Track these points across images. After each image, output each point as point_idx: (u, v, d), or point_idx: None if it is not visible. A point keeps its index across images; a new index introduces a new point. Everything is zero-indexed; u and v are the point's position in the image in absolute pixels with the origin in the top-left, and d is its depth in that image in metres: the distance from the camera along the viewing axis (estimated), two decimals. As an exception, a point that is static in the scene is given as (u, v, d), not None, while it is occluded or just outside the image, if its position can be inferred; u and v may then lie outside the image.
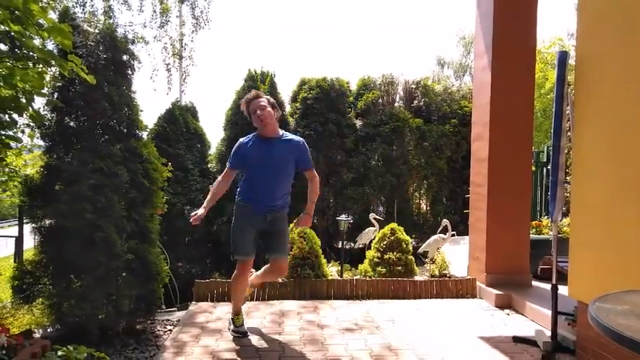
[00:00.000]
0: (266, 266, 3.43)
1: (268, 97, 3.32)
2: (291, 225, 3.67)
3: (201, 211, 3.19)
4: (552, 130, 3.03)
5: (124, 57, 3.46)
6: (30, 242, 3.88)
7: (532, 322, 3.73)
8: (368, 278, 4.59)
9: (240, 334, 3.28)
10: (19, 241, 4.82)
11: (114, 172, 3.16)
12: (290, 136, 3.31)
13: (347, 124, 7.62)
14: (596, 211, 2.75)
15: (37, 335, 3.21)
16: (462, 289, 4.50)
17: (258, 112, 3.13)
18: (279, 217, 3.27)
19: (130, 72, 3.51)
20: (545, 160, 7.27)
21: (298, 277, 4.43)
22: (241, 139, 3.30)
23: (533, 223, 5.49)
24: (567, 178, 3.94)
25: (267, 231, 3.25)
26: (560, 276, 3.16)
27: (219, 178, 3.36)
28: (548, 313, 3.22)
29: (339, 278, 4.61)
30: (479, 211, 4.63)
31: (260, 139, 3.22)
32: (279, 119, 3.38)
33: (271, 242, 3.29)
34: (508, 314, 3.96)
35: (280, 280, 4.41)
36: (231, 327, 3.35)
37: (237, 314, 3.36)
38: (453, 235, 5.11)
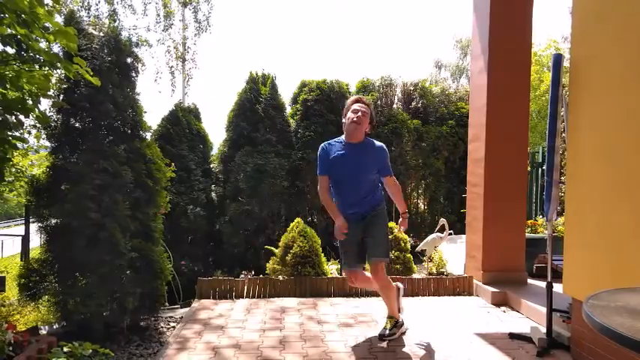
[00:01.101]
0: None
1: (372, 109, 3.21)
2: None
3: (341, 221, 3.05)
4: (547, 131, 3.03)
5: (128, 60, 3.47)
6: (36, 241, 3.88)
7: (528, 319, 3.73)
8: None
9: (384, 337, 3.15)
10: (25, 239, 4.82)
11: (118, 172, 3.16)
12: (375, 142, 3.19)
13: (346, 126, 7.61)
14: (590, 211, 2.75)
15: (43, 332, 3.21)
16: (459, 287, 4.50)
17: (359, 114, 3.04)
18: (377, 216, 3.15)
19: (134, 74, 3.51)
20: (540, 160, 7.27)
21: (299, 274, 4.43)
22: (326, 143, 3.19)
23: (529, 222, 5.49)
24: (562, 178, 3.94)
25: (366, 230, 3.15)
26: (555, 274, 3.16)
27: (322, 190, 3.14)
28: (544, 310, 3.22)
29: (339, 276, 4.61)
30: (475, 211, 4.63)
31: (346, 143, 3.12)
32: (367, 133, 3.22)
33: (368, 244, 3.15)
34: (504, 311, 3.95)
35: (281, 278, 4.41)
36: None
37: (389, 317, 3.25)
38: (450, 234, 5.11)
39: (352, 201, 3.12)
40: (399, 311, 3.33)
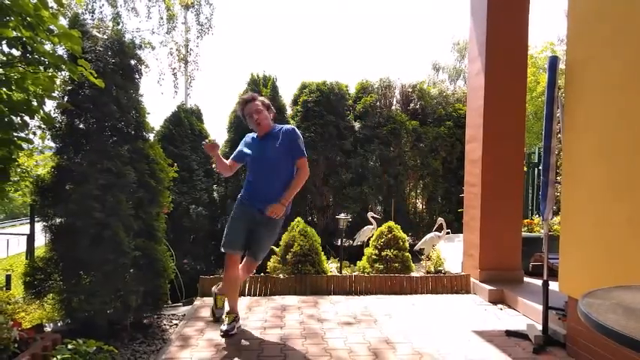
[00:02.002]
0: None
1: (262, 98, 3.30)
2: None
3: (218, 151, 3.21)
4: (543, 132, 3.04)
5: (132, 62, 3.46)
6: (41, 240, 3.88)
7: (524, 316, 3.73)
8: (366, 274, 4.59)
9: (221, 331, 3.17)
10: (30, 238, 4.82)
11: (122, 172, 3.16)
12: (283, 127, 3.22)
13: (346, 126, 7.62)
14: (585, 210, 2.75)
15: (47, 329, 3.21)
16: (457, 285, 4.50)
17: (255, 116, 3.16)
18: (266, 219, 3.12)
19: (137, 76, 3.51)
20: (536, 160, 7.28)
21: (299, 273, 4.43)
22: (248, 134, 3.36)
23: (525, 221, 5.49)
24: (558, 178, 3.94)
25: (254, 230, 3.18)
26: (551, 272, 3.16)
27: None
28: (540, 307, 3.22)
29: (339, 274, 4.61)
30: (473, 210, 4.63)
31: (257, 138, 3.26)
32: (274, 119, 3.36)
33: (252, 242, 3.21)
34: (501, 309, 3.96)
35: (282, 276, 4.41)
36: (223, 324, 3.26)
37: (228, 313, 3.32)
38: (448, 233, 5.11)
39: (262, 194, 3.11)
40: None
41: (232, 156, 3.35)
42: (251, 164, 3.23)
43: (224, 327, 3.20)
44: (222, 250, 3.18)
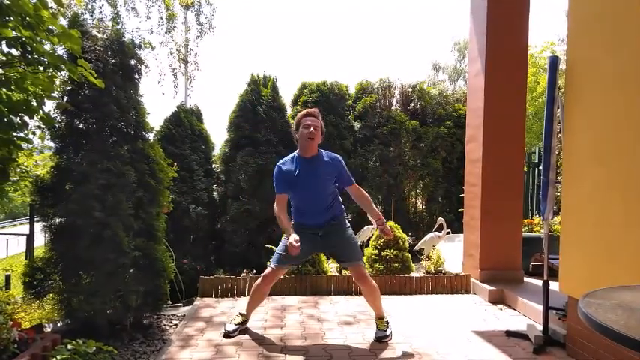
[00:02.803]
0: None
1: (320, 119, 3.16)
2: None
3: (294, 236, 2.87)
4: (543, 132, 3.04)
5: (132, 62, 3.46)
6: (41, 240, 3.88)
7: (524, 316, 3.73)
8: (366, 274, 4.58)
9: (225, 330, 3.19)
10: (30, 238, 4.82)
11: (122, 172, 3.16)
12: (330, 154, 3.19)
13: (346, 127, 7.61)
14: (585, 210, 2.75)
15: (47, 329, 3.21)
16: (457, 285, 4.50)
17: (312, 129, 3.01)
18: (335, 228, 3.15)
19: (137, 76, 3.51)
20: (536, 160, 7.28)
21: (299, 273, 4.43)
22: (282, 162, 3.17)
23: (525, 221, 5.49)
24: (558, 178, 3.94)
25: (328, 245, 3.18)
26: (551, 272, 3.16)
27: (279, 207, 3.09)
28: (540, 307, 3.22)
29: (339, 274, 4.61)
30: (473, 210, 4.63)
31: (302, 159, 3.11)
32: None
33: (339, 253, 3.21)
34: (501, 309, 3.95)
35: (282, 276, 4.40)
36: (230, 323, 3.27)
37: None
38: (448, 233, 5.11)
39: (313, 214, 3.12)
40: None
41: (281, 189, 3.10)
42: (301, 183, 3.06)
43: (229, 327, 3.20)
44: (273, 265, 3.13)
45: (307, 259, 4.41)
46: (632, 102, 2.41)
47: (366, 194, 3.24)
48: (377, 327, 3.19)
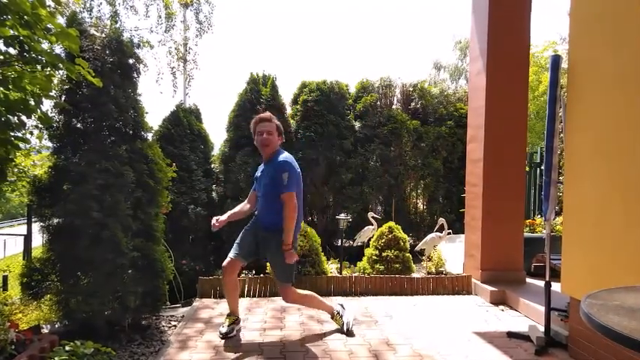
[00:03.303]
0: None
1: (279, 123, 3.27)
2: None
3: (223, 217, 3.28)
4: (545, 132, 3.04)
5: (130, 60, 3.46)
6: (38, 240, 3.88)
7: (526, 317, 3.73)
8: (366, 275, 4.59)
9: (220, 333, 3.19)
10: (27, 239, 4.82)
11: (120, 172, 3.16)
12: (280, 157, 3.11)
13: (346, 126, 7.61)
14: (587, 210, 2.75)
15: (45, 331, 3.21)
16: (458, 286, 4.50)
17: (264, 135, 3.16)
18: (268, 238, 3.16)
19: (135, 75, 3.51)
20: (538, 160, 7.28)
21: (299, 274, 4.43)
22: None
23: (527, 221, 5.49)
24: (560, 178, 3.94)
25: (262, 250, 3.26)
26: (553, 273, 3.16)
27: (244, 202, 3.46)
28: (542, 309, 3.22)
29: (339, 275, 4.61)
30: (474, 210, 4.63)
31: (264, 162, 3.31)
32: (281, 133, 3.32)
33: (270, 263, 3.38)
34: (502, 310, 3.96)
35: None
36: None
37: (228, 315, 3.32)
38: (449, 234, 5.11)
39: (259, 214, 3.28)
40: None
41: (253, 190, 3.42)
42: (257, 184, 3.31)
43: (223, 329, 3.20)
44: (232, 255, 3.24)
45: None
46: (633, 101, 2.42)
47: (288, 212, 3.00)
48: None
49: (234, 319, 3.29)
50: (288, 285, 3.20)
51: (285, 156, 3.12)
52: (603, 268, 2.60)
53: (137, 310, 3.30)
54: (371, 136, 7.62)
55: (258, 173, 3.35)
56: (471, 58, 4.85)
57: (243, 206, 3.42)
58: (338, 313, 3.41)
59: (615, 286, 1.55)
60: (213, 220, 3.26)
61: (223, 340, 3.14)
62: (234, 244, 3.28)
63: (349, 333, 3.27)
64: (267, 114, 3.28)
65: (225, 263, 3.22)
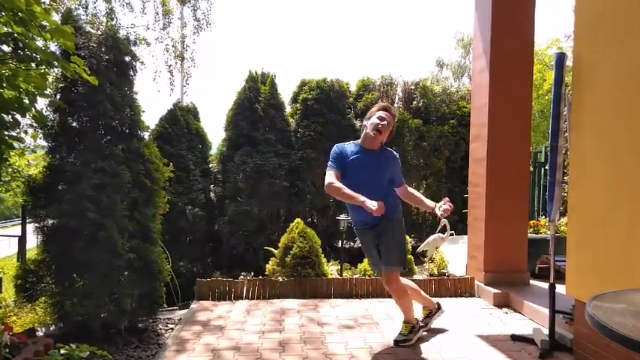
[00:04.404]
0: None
1: (394, 113, 3.15)
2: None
3: (370, 200, 2.71)
4: (550, 131, 3.03)
5: (127, 58, 3.46)
6: (33, 241, 3.88)
7: (530, 320, 3.73)
8: (367, 277, 4.59)
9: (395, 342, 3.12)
10: (22, 240, 4.82)
11: (116, 172, 3.16)
12: (390, 151, 3.14)
13: (347, 125, 7.61)
14: (593, 211, 2.75)
15: (40, 334, 3.21)
16: (461, 288, 4.50)
17: (383, 122, 2.99)
18: (387, 225, 3.04)
19: (132, 73, 3.51)
20: (542, 160, 7.27)
21: (299, 275, 4.43)
22: (341, 145, 3.10)
23: (531, 222, 5.49)
24: (565, 178, 3.94)
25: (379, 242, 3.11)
26: (557, 275, 3.15)
27: (334, 180, 2.92)
28: (546, 311, 3.21)
29: (339, 277, 4.61)
30: (477, 211, 4.63)
31: (365, 150, 3.05)
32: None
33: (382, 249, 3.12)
34: (506, 313, 3.95)
35: (281, 279, 4.41)
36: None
37: (405, 322, 3.21)
38: (451, 235, 5.10)
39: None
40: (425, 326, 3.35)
41: (335, 165, 2.99)
42: (358, 169, 2.98)
43: (399, 337, 3.14)
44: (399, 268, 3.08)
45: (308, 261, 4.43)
46: (639, 100, 2.41)
47: (413, 191, 3.28)
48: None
49: (410, 327, 3.18)
50: (400, 269, 3.05)
51: (395, 153, 3.17)
52: (609, 270, 2.59)
53: (134, 312, 3.30)
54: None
55: (354, 157, 2.99)
56: (474, 55, 4.84)
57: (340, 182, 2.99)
58: (431, 312, 3.41)
59: (622, 288, 1.54)
60: (377, 205, 2.68)
61: (221, 343, 3.14)
62: (371, 257, 3.17)
63: (398, 344, 3.10)
64: (394, 109, 3.16)
65: (384, 279, 3.08)
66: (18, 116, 2.48)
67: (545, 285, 3.57)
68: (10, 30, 2.21)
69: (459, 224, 6.95)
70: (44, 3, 2.38)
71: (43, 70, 2.47)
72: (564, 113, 3.04)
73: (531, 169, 6.75)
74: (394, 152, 3.16)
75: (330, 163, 3.02)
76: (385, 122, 3.00)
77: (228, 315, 3.79)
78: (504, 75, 4.42)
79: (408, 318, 3.19)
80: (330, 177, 2.94)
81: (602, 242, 2.66)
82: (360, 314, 3.84)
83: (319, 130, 7.28)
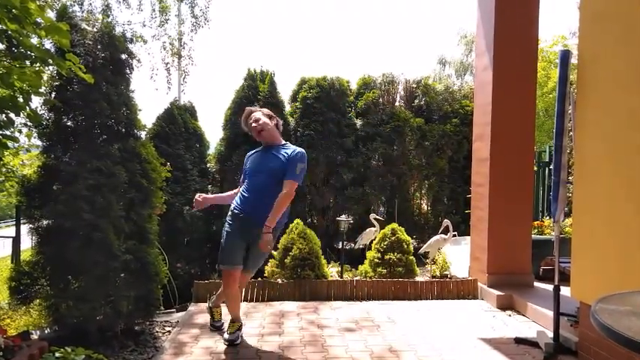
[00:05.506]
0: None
1: (262, 109, 3.36)
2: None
3: (208, 197, 3.31)
4: (554, 130, 3.03)
5: (123, 56, 3.46)
6: (27, 243, 3.88)
7: (534, 323, 3.73)
8: (368, 279, 4.59)
9: (225, 340, 3.19)
10: (16, 241, 4.82)
11: (112, 172, 3.16)
12: (295, 148, 3.18)
13: (347, 124, 7.62)
14: (598, 211, 2.75)
15: (34, 337, 3.21)
16: (463, 290, 4.50)
17: (254, 124, 3.22)
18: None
19: (128, 71, 3.50)
20: (547, 159, 7.27)
21: (298, 277, 4.43)
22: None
23: (535, 223, 5.49)
24: (570, 177, 3.94)
25: (251, 244, 3.14)
26: (562, 277, 3.16)
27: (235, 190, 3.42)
28: (550, 314, 3.22)
29: (340, 279, 4.61)
30: (480, 211, 4.63)
31: (260, 150, 3.30)
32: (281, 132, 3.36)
33: (249, 257, 3.19)
34: (510, 315, 3.96)
35: (280, 281, 4.41)
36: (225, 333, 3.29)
37: (232, 321, 3.31)
38: (454, 236, 5.11)
39: (250, 199, 3.12)
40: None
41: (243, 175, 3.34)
42: (249, 176, 3.23)
43: (227, 336, 3.19)
44: (221, 267, 3.15)
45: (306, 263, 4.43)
46: (647, 98, 2.41)
47: (285, 197, 3.03)
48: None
49: (238, 325, 3.28)
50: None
51: (301, 149, 3.20)
52: (615, 272, 2.60)
53: (130, 315, 3.30)
54: (373, 135, 7.62)
55: (249, 164, 3.27)
56: (477, 53, 4.84)
57: (232, 194, 3.36)
58: (225, 326, 3.38)
59: (628, 290, 1.54)
60: (197, 196, 3.31)
61: (220, 346, 3.14)
62: (225, 253, 3.10)
63: (229, 342, 3.16)
64: (247, 109, 3.37)
65: (225, 276, 3.12)
66: (12, 115, 2.48)
67: (549, 287, 3.57)
68: (4, 27, 2.21)
69: (461, 225, 6.95)
70: (39, 0, 2.39)
71: (37, 68, 2.47)
72: (569, 112, 3.04)
73: (535, 168, 6.74)
74: (299, 151, 3.14)
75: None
76: (254, 124, 3.21)
77: (226, 317, 3.78)
78: (508, 73, 4.42)
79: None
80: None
81: (607, 243, 2.66)
82: (360, 317, 3.84)
83: (319, 129, 7.29)
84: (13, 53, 2.34)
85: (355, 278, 4.64)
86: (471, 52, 23.30)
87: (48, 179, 3.16)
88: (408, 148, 7.72)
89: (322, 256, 4.67)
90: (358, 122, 7.77)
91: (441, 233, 5.18)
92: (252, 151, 3.36)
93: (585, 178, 2.89)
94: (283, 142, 3.29)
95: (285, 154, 3.12)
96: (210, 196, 3.31)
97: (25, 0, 2.17)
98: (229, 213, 3.21)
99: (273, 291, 4.37)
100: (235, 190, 3.38)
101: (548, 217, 6.29)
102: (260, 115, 3.27)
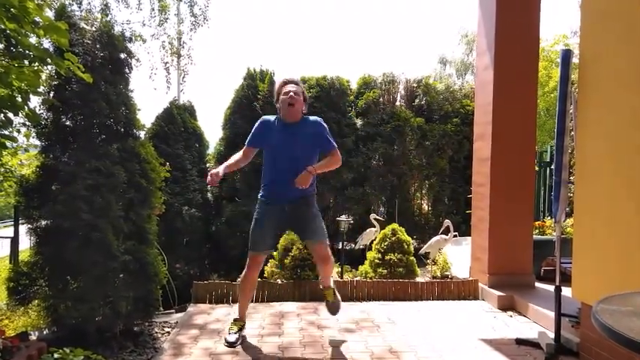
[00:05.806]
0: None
1: (303, 89, 3.25)
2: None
3: (220, 169, 3.04)
4: (556, 130, 3.04)
5: (122, 55, 3.46)
6: (26, 243, 3.88)
7: (535, 324, 3.73)
8: (368, 279, 4.59)
9: (226, 342, 3.17)
10: (14, 242, 4.82)
11: (111, 172, 3.16)
12: (308, 121, 3.20)
13: (347, 124, 7.61)
14: (599, 212, 2.75)
15: (33, 337, 3.21)
16: (464, 291, 4.50)
17: (291, 93, 3.08)
18: (299, 206, 3.16)
19: (127, 70, 3.51)
20: (548, 159, 7.28)
21: (298, 278, 4.43)
22: (265, 118, 3.27)
23: (536, 223, 5.49)
24: (571, 177, 3.94)
25: (292, 219, 3.20)
26: (563, 277, 3.16)
27: (240, 154, 3.28)
28: (552, 314, 3.22)
29: (340, 279, 4.61)
30: (481, 212, 4.63)
31: (283, 124, 3.17)
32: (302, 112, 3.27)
33: (301, 228, 3.28)
34: (511, 316, 3.96)
35: (280, 282, 4.41)
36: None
37: (235, 320, 3.30)
38: (455, 236, 5.11)
39: (284, 181, 3.06)
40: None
41: (248, 141, 3.26)
42: (276, 151, 3.15)
43: (230, 337, 3.16)
44: (250, 251, 3.20)
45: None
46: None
47: (335, 160, 3.17)
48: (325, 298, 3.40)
49: (241, 324, 3.27)
50: (327, 241, 3.27)
51: (315, 118, 3.21)
52: (616, 272, 2.60)
53: (129, 315, 3.30)
54: (373, 134, 7.62)
55: (275, 141, 3.13)
56: (478, 52, 4.85)
57: (240, 159, 3.26)
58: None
59: (629, 291, 1.55)
60: (213, 172, 3.00)
61: (219, 347, 3.14)
62: (254, 236, 3.16)
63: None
64: (291, 77, 3.25)
65: (250, 260, 3.17)
66: (10, 115, 2.49)
67: (550, 288, 3.57)
68: (2, 26, 2.21)
69: (462, 225, 6.95)
70: (37, -1, 2.39)
71: (36, 68, 2.47)
72: (570, 111, 3.04)
73: (537, 168, 6.75)
74: (318, 119, 3.22)
75: (250, 136, 3.24)
76: (292, 94, 3.08)
77: (226, 318, 3.79)
78: (509, 72, 4.42)
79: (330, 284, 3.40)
80: (243, 151, 3.23)
81: (608, 243, 2.66)
82: (360, 317, 3.84)
83: (319, 129, 7.27)
84: (12, 52, 2.35)
85: (355, 279, 4.64)
86: (471, 51, 23.31)
87: (46, 179, 3.16)
88: (408, 147, 7.72)
89: (322, 257, 4.66)
90: (358, 122, 7.77)
91: (441, 233, 5.18)
92: (271, 120, 3.22)
93: (586, 177, 2.89)
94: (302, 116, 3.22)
95: (311, 132, 3.13)
96: (221, 168, 3.06)
97: (24, -1, 2.18)
98: (259, 200, 3.27)
99: (272, 291, 4.37)
100: (238, 155, 3.27)
101: (549, 218, 6.30)
102: (300, 90, 3.15)
